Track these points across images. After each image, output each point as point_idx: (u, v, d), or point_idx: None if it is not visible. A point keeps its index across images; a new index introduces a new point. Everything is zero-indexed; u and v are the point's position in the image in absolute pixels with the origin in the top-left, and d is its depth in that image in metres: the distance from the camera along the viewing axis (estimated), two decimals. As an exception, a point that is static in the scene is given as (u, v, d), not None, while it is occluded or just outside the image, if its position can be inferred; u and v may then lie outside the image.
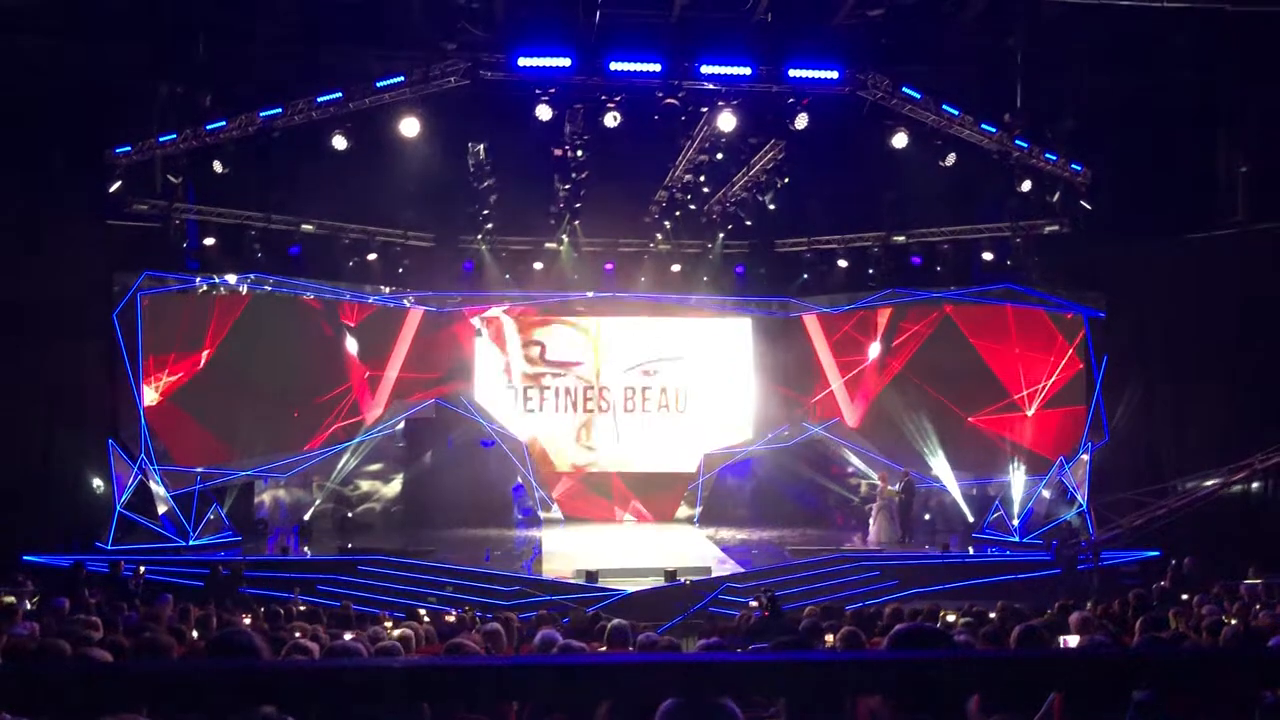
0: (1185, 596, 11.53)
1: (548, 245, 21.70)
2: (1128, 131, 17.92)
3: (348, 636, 8.09)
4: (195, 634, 8.95)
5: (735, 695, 2.82)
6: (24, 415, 16.93)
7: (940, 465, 20.12)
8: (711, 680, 2.35)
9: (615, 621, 8.00)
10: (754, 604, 11.65)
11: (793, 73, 15.85)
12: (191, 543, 17.55)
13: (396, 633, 8.50)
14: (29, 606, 11.51)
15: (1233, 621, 8.42)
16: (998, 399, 19.82)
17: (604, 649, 7.68)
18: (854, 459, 21.74)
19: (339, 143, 16.28)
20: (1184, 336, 18.25)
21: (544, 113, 15.74)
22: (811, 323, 22.81)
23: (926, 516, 20.19)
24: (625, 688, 2.35)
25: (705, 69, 15.66)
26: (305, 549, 18.57)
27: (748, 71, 15.73)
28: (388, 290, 21.78)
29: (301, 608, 13.29)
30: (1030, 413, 19.59)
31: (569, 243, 21.50)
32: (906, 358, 21.45)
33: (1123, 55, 17.21)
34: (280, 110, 16.39)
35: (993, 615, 9.86)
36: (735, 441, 23.19)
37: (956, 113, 17.12)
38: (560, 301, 22.75)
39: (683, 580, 14.79)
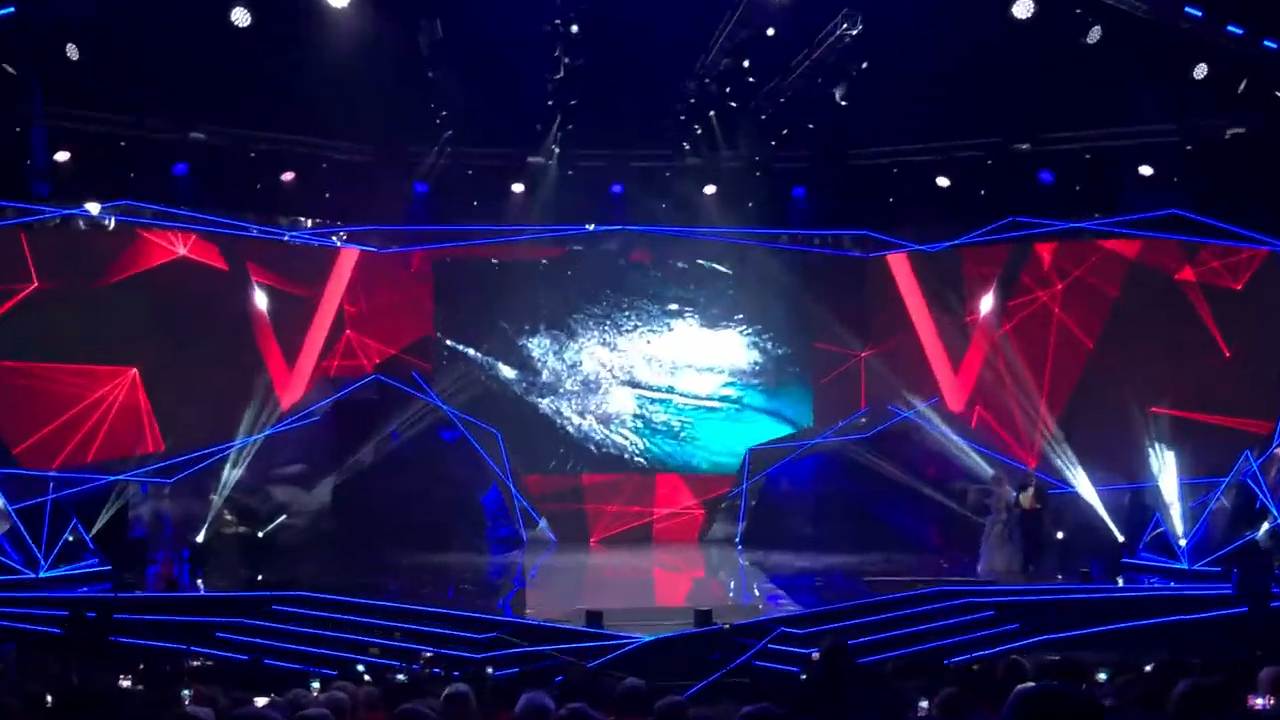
0: None
1: (531, 159, 21.62)
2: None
3: (259, 702, 8.15)
4: (50, 698, 9.03)
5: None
6: None
7: (1079, 463, 20.07)
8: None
9: (627, 681, 8.02)
10: (817, 656, 11.66)
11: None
12: (43, 574, 17.65)
13: (325, 697, 8.55)
14: None
15: None
16: (1160, 371, 19.72)
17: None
18: (959, 455, 21.73)
19: (241, 18, 16.21)
20: None
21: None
22: (899, 265, 22.73)
23: (1060, 535, 20.10)
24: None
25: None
26: (199, 582, 18.67)
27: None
28: (310, 223, 21.77)
29: (196, 663, 13.40)
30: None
31: (560, 155, 21.43)
32: (1033, 314, 21.42)
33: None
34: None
35: (1150, 669, 9.86)
36: (792, 430, 23.27)
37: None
38: (549, 237, 22.74)
39: (720, 624, 14.81)
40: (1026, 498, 19.24)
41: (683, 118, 20.89)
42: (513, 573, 20.04)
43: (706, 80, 19.50)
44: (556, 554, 22.16)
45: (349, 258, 22.27)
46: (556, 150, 21.31)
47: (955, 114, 20.35)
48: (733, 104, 20.15)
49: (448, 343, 23.36)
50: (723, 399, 23.85)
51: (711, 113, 20.55)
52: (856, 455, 22.48)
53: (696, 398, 23.82)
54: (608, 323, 23.85)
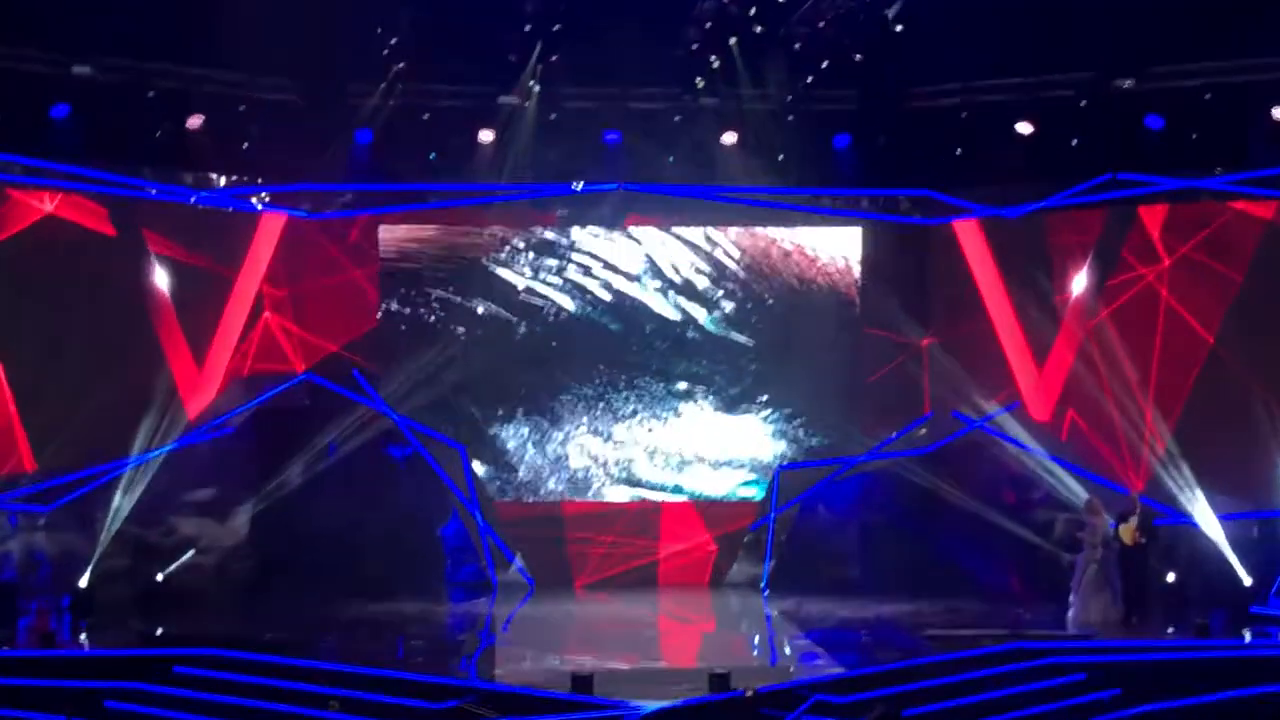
0: None
1: (503, 100, 21.64)
2: None
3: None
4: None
5: None
6: None
7: (1196, 488, 20.08)
8: None
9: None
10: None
11: None
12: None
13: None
14: None
15: None
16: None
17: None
18: (1044, 475, 21.72)
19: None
20: None
21: None
22: (969, 234, 22.74)
23: (1170, 577, 20.08)
24: None
25: None
26: (83, 637, 18.61)
27: None
28: (224, 181, 21.73)
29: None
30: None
31: (540, 95, 21.45)
32: (1137, 297, 21.45)
33: None
34: None
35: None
36: (831, 445, 23.38)
37: None
38: (527, 200, 22.75)
39: (742, 690, 14.83)
40: (1129, 530, 19.19)
41: (695, 46, 20.87)
42: (479, 625, 19.99)
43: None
44: (535, 601, 22.13)
45: (272, 225, 22.23)
46: (535, 88, 21.31)
47: (1041, 41, 20.32)
48: (759, 29, 20.12)
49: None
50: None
51: (732, 40, 20.53)
52: (913, 476, 22.51)
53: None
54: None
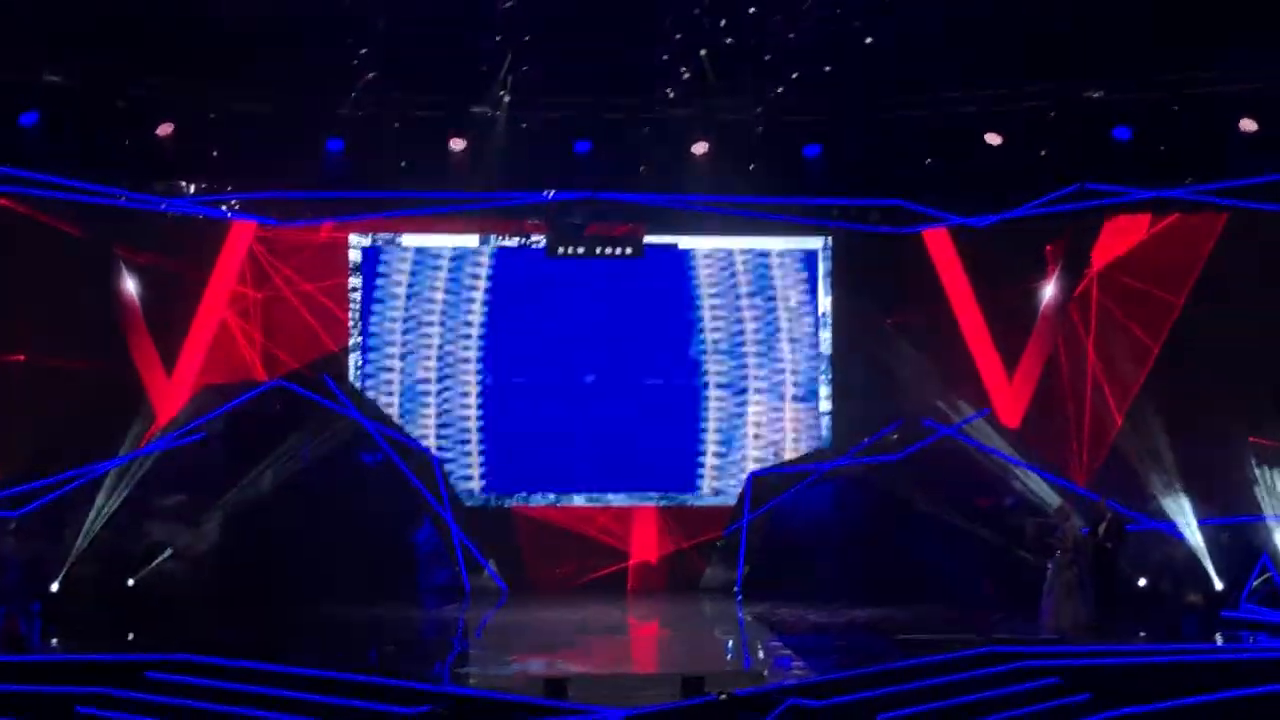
0: None
1: (474, 109, 21.58)
2: None
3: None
4: None
5: None
6: None
7: (1168, 493, 20.03)
8: None
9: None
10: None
11: None
12: None
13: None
14: None
15: None
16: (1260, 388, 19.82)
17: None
18: (1015, 481, 21.68)
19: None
20: None
21: None
22: (938, 243, 22.71)
23: (1142, 582, 20.05)
24: None
25: None
26: (53, 642, 18.47)
27: None
28: (193, 190, 21.58)
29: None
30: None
31: (511, 104, 21.36)
32: (1109, 304, 21.42)
33: None
34: None
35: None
36: (803, 451, 23.26)
37: None
38: (499, 207, 22.65)
39: (715, 694, 14.75)
40: (1093, 535, 19.15)
41: (666, 57, 20.81)
42: (452, 630, 19.85)
43: (696, 10, 19.44)
44: (507, 607, 22.03)
45: (242, 233, 22.10)
46: (506, 98, 21.23)
47: (1009, 54, 20.30)
48: (728, 39, 20.07)
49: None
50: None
51: (703, 51, 20.47)
52: (885, 482, 22.43)
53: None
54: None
